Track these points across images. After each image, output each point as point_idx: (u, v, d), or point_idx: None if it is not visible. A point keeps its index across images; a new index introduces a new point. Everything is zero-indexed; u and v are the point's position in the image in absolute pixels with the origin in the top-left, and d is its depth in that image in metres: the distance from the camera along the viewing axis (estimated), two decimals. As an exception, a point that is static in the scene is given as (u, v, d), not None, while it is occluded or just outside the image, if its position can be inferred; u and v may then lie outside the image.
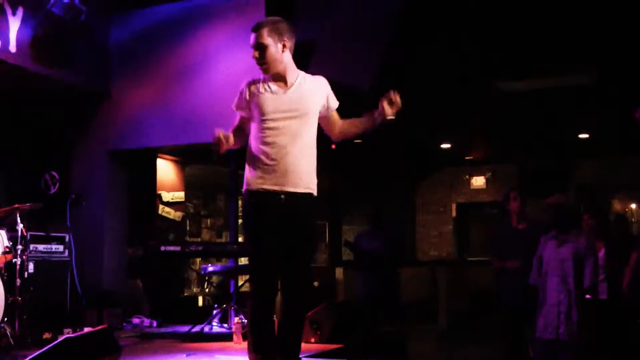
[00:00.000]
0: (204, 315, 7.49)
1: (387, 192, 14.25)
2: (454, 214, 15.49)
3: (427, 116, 10.54)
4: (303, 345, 6.42)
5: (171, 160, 10.54)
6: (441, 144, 13.25)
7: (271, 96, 4.15)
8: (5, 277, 6.17)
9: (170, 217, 10.37)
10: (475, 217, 15.52)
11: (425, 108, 9.80)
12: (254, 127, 4.19)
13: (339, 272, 12.74)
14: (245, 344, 6.45)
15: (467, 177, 15.42)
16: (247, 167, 4.20)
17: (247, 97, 4.20)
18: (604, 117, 10.73)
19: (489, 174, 15.18)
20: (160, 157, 10.16)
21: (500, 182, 14.69)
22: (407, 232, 15.22)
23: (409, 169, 14.83)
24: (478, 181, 15.32)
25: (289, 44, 4.18)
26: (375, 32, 8.14)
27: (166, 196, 10.31)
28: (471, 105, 10.25)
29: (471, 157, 14.70)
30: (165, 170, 10.44)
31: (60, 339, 3.90)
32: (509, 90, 9.66)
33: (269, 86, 4.18)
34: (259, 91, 4.17)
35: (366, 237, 8.95)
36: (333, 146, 11.60)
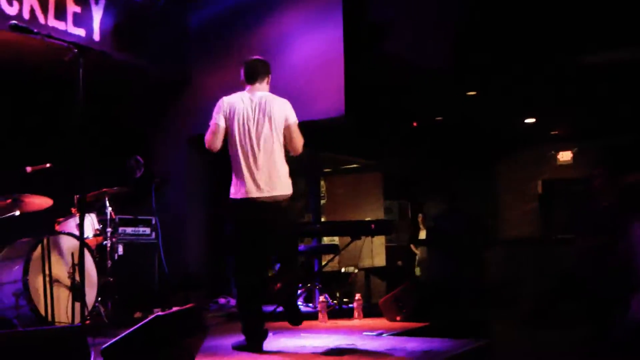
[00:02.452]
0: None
1: (468, 170, 14.11)
2: (539, 191, 15.22)
3: (510, 90, 10.38)
4: (388, 323, 6.55)
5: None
6: (525, 118, 13.02)
7: None
8: (97, 259, 6.39)
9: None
10: (561, 195, 15.21)
11: (506, 82, 9.66)
12: None
13: (420, 252, 12.72)
14: (331, 323, 6.60)
15: (552, 152, 15.10)
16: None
17: None
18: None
19: (576, 149, 14.84)
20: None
21: (587, 158, 14.34)
22: (490, 211, 15.03)
23: (491, 146, 14.63)
24: (564, 157, 14.99)
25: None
26: (450, 9, 8.08)
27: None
28: (556, 77, 10.05)
29: (557, 132, 14.39)
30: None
31: (151, 317, 4.04)
32: (597, 62, 9.44)
33: None
34: None
35: (444, 217, 8.91)
36: (414, 124, 11.64)
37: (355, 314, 6.98)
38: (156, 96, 8.86)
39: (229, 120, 5.15)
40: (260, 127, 5.11)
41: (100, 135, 8.27)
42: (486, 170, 15.20)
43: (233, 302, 8.10)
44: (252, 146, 5.10)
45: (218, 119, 5.20)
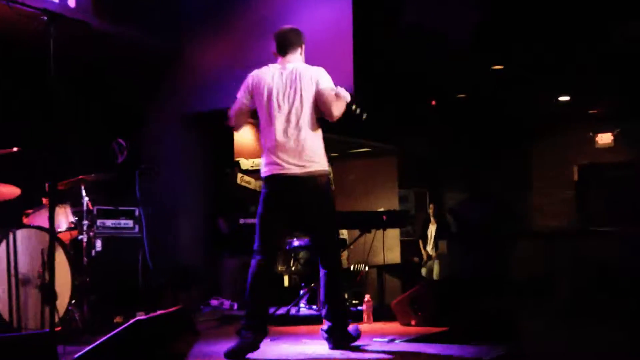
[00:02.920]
0: (290, 296, 7.62)
1: (494, 154, 14.05)
2: (575, 177, 15.13)
3: (541, 63, 10.29)
4: (401, 328, 6.52)
5: (250, 122, 10.60)
6: (559, 96, 12.93)
7: None
8: (71, 256, 6.34)
9: (251, 187, 10.41)
10: (600, 181, 15.12)
11: (538, 55, 9.58)
12: None
13: (441, 246, 12.69)
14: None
15: (590, 134, 15.00)
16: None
17: None
18: None
19: (617, 130, 14.74)
20: (238, 120, 10.24)
21: (630, 140, 14.25)
22: (521, 199, 14.98)
23: (520, 127, 14.55)
24: (604, 139, 14.89)
25: None
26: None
27: (245, 163, 10.33)
28: (596, 48, 9.95)
29: (595, 111, 14.28)
30: (244, 134, 10.50)
31: (132, 321, 3.99)
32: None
33: None
34: None
35: (468, 205, 8.87)
36: (433, 102, 11.58)
37: (365, 317, 6.96)
38: (146, 71, 8.88)
39: (257, 96, 5.34)
40: (291, 101, 5.26)
41: (78, 115, 8.28)
42: (515, 154, 15.12)
43: (227, 303, 8.10)
44: (281, 121, 5.25)
45: (242, 96, 5.39)
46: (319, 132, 5.37)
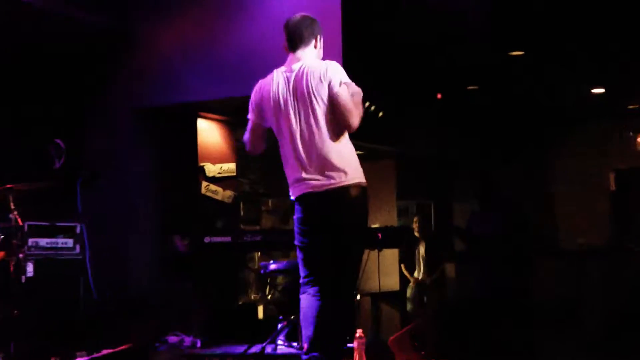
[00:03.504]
0: (266, 331, 7.53)
1: (513, 157, 14.07)
2: (611, 185, 15.16)
3: (569, 48, 10.27)
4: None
5: (217, 120, 10.54)
6: (591, 88, 12.94)
7: None
8: (-5, 283, 6.29)
9: (218, 197, 10.38)
10: (641, 190, 15.17)
11: (566, 38, 9.56)
12: None
13: (449, 268, 12.66)
14: None
15: (630, 134, 15.04)
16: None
17: None
18: None
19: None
20: (202, 117, 10.17)
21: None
22: (544, 211, 15.00)
23: (544, 125, 14.58)
24: (646, 140, 14.97)
25: None
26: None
27: (211, 169, 10.31)
28: (636, 33, 9.93)
29: (636, 106, 14.31)
30: (210, 134, 10.44)
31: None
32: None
33: None
34: None
35: (480, 218, 8.85)
36: (439, 95, 11.55)
37: (356, 356, 6.84)
38: (90, 56, 8.84)
39: (265, 111, 5.40)
40: (299, 107, 5.26)
41: (3, 111, 8.19)
42: (536, 158, 15.17)
43: (188, 340, 8.02)
44: (293, 133, 5.28)
45: (251, 115, 5.50)
46: (343, 139, 5.34)
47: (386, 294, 10.60)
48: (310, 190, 5.20)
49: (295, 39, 5.40)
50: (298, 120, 5.24)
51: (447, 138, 13.54)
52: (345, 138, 5.32)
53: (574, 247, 14.75)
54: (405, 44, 8.86)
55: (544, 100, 13.24)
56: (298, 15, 5.50)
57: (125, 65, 8.85)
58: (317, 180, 5.19)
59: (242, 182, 11.19)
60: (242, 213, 11.08)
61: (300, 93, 5.24)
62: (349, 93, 5.20)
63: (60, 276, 7.29)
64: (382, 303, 9.83)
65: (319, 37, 5.46)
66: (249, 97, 8.12)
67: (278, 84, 5.32)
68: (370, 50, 8.74)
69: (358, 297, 8.62)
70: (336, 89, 5.18)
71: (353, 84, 5.27)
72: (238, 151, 10.83)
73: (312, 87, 5.21)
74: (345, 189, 5.19)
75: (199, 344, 8.02)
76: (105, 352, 4.29)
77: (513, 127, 14.03)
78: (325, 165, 5.20)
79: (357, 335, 7.03)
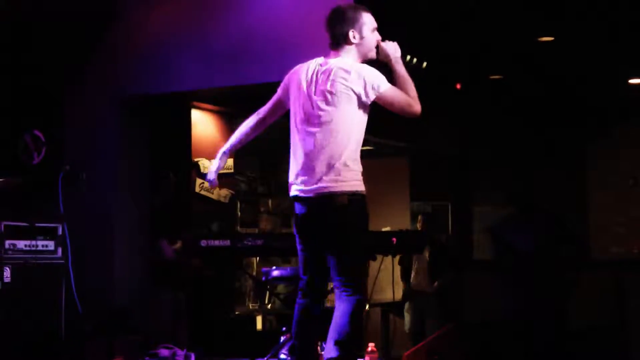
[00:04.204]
0: (265, 343, 7.57)
1: (544, 156, 14.06)
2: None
3: (606, 34, 10.30)
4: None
5: (212, 111, 10.58)
6: (629, 78, 12.95)
7: None
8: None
9: (213, 197, 10.42)
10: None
11: (602, 21, 9.59)
12: None
13: (471, 279, 12.68)
14: None
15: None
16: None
17: None
18: None
19: None
20: (196, 107, 10.19)
21: None
22: (576, 218, 14.94)
23: (578, 119, 14.57)
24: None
25: None
26: None
27: (207, 165, 10.35)
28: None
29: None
30: (205, 126, 10.47)
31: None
32: None
33: None
34: None
35: (514, 225, 8.87)
36: (458, 86, 11.57)
37: (366, 370, 6.93)
38: (70, 39, 8.87)
39: (290, 91, 5.57)
40: (316, 103, 5.36)
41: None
42: (569, 157, 15.13)
43: (181, 354, 8.05)
44: (304, 128, 5.40)
45: (279, 88, 5.66)
46: (351, 145, 5.42)
47: (399, 304, 10.63)
48: (299, 193, 5.38)
49: (330, 37, 5.50)
50: (311, 114, 5.35)
51: (467, 133, 13.53)
52: (354, 144, 5.43)
53: (609, 257, 14.71)
54: (414, 29, 8.85)
55: (578, 91, 13.20)
56: (333, 9, 5.56)
57: (112, 48, 8.86)
58: (315, 182, 5.31)
59: (240, 180, 11.23)
60: (239, 214, 11.12)
61: (319, 88, 5.35)
62: (394, 89, 5.36)
63: (39, 282, 7.31)
64: (393, 315, 9.86)
65: (353, 30, 5.46)
66: (247, 86, 8.28)
67: (307, 71, 5.45)
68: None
69: (367, 307, 8.65)
70: (383, 88, 5.33)
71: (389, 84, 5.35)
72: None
73: (335, 86, 5.29)
74: (339, 195, 5.31)
75: (192, 358, 8.06)
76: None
77: (542, 122, 14.00)
78: (326, 167, 5.31)
79: (369, 349, 7.12)
